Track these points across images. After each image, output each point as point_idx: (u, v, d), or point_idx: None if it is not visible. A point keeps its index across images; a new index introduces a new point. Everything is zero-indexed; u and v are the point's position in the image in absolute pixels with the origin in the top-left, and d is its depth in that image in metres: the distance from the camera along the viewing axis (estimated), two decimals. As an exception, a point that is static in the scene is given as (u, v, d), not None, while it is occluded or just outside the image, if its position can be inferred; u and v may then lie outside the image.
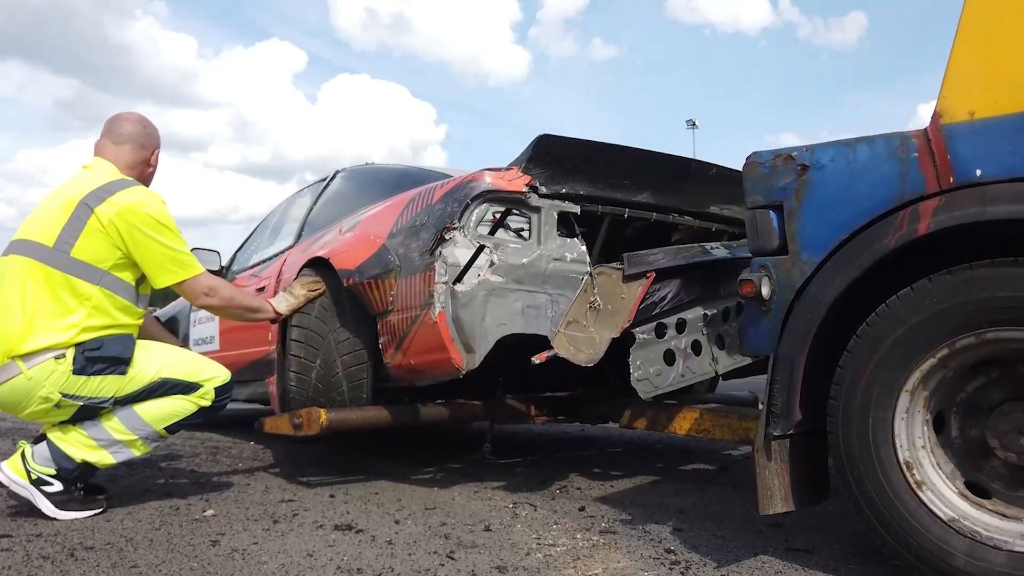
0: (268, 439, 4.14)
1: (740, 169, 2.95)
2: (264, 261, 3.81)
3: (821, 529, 2.01)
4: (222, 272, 4.30)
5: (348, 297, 2.67)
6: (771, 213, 1.70)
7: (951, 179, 1.45)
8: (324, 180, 3.76)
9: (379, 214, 2.78)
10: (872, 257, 1.54)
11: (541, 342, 2.39)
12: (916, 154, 1.51)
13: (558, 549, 1.85)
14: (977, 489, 1.50)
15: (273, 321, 2.64)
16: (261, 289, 3.49)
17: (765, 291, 1.62)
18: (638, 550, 1.84)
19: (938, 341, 1.45)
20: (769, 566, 1.70)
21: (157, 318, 4.85)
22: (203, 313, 4.19)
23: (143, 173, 2.41)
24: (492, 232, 2.50)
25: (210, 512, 2.25)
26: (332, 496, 2.52)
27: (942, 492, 1.49)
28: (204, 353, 4.13)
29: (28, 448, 2.24)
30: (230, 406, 2.51)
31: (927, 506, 1.48)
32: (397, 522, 2.14)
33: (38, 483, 2.19)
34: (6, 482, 2.21)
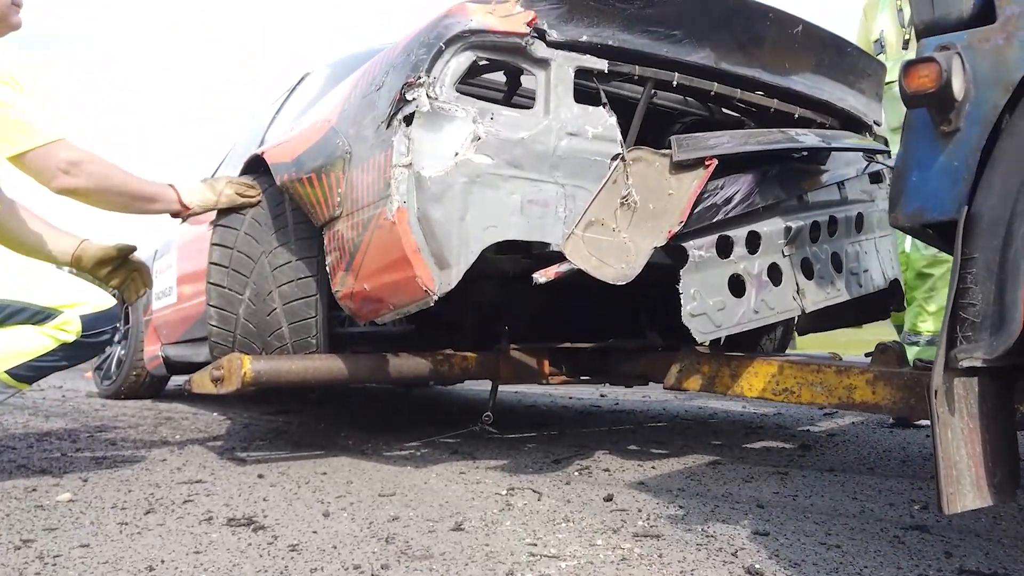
0: (236, 409, 3.47)
1: (834, 32, 2.19)
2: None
3: (992, 537, 1.23)
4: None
5: (292, 209, 1.96)
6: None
7: None
8: (290, 88, 3.05)
9: (334, 93, 2.05)
10: None
11: (550, 257, 1.66)
12: None
13: (564, 565, 1.11)
14: None
15: (180, 216, 1.92)
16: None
17: (957, 85, 0.85)
18: (699, 569, 1.09)
19: None
20: (945, 607, 0.94)
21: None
22: (164, 262, 3.51)
23: None
24: (506, 101, 1.77)
25: (65, 496, 1.56)
26: (261, 476, 1.80)
27: None
28: (163, 308, 3.48)
29: None
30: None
31: None
32: (326, 515, 1.42)
33: None
34: None
